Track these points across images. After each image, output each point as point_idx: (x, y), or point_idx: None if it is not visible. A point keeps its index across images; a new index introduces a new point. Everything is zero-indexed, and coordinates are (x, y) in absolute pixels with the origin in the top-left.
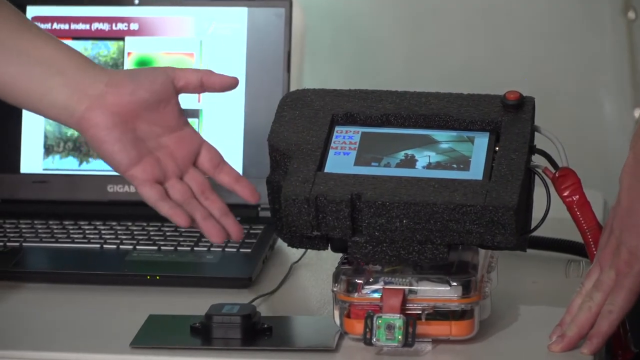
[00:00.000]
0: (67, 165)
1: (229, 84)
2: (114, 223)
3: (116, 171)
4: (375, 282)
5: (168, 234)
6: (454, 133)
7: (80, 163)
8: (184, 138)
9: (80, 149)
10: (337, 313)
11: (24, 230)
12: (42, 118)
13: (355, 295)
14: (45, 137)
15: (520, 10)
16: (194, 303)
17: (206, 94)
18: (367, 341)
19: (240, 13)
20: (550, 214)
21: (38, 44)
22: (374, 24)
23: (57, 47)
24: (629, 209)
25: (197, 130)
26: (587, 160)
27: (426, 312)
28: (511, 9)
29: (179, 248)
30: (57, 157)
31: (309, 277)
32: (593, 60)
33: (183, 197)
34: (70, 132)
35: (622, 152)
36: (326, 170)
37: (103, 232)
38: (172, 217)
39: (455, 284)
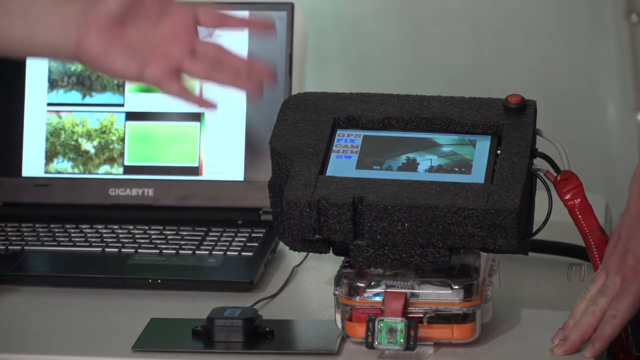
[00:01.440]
0: (72, 99)
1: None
2: (115, 226)
3: (132, 81)
4: (377, 285)
5: (170, 237)
6: (455, 136)
7: (84, 97)
8: (176, 18)
9: (83, 83)
10: (338, 316)
11: (25, 234)
12: (43, 122)
13: (357, 298)
14: (50, 71)
15: (524, 15)
16: (195, 306)
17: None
18: (369, 344)
19: (242, 16)
20: (552, 218)
21: None
22: (379, 28)
23: None
24: (637, 216)
25: (198, 132)
26: (589, 163)
27: (428, 315)
28: (514, 13)
29: (180, 251)
30: (61, 91)
31: (311, 281)
32: (596, 63)
33: (204, 70)
34: (74, 68)
35: (625, 156)
36: (328, 173)
37: (105, 235)
38: (201, 105)
39: (457, 287)
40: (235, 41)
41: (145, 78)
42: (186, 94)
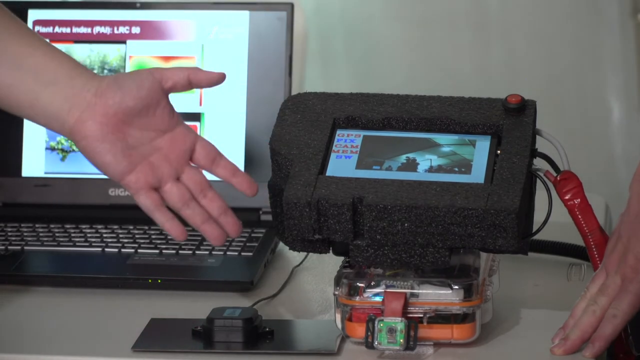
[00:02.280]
0: None
1: (216, 80)
2: (115, 226)
3: (112, 179)
4: (377, 285)
5: (169, 237)
6: (455, 136)
7: None
8: (177, 137)
9: None
10: (338, 316)
11: (25, 234)
12: None
13: (357, 298)
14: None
15: (529, 16)
16: (195, 307)
17: (208, 96)
18: (369, 345)
19: (242, 17)
20: (552, 218)
21: (30, 51)
22: (383, 28)
23: (48, 54)
24: (637, 216)
25: (198, 131)
26: (589, 164)
27: (428, 315)
28: (520, 13)
29: (180, 252)
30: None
31: (311, 281)
32: (601, 63)
33: (181, 200)
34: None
35: (626, 156)
36: (328, 173)
37: (105, 235)
38: (168, 229)
39: (456, 287)
40: (236, 41)
41: (125, 181)
42: (158, 211)
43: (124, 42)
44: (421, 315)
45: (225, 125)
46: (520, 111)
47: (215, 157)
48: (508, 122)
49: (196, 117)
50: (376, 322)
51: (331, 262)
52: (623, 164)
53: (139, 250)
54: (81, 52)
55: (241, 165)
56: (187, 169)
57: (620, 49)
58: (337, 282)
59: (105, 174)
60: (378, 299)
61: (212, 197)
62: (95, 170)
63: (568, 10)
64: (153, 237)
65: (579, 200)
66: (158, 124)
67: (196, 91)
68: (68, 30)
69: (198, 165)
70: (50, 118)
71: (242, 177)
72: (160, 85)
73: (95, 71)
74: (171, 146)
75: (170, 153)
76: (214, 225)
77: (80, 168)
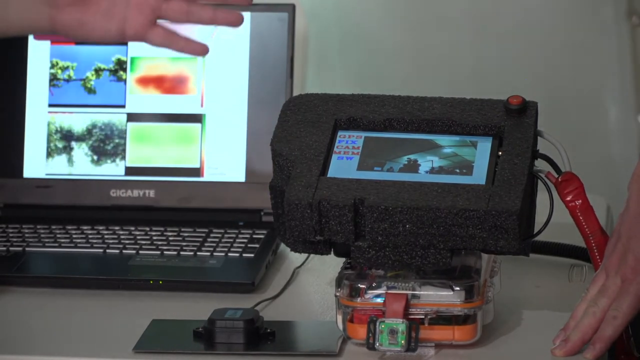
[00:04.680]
0: (73, 100)
1: None
2: (116, 228)
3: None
4: (378, 286)
5: (171, 238)
6: (456, 138)
7: (85, 98)
8: None
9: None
10: (340, 318)
11: (26, 235)
12: (44, 123)
13: (358, 300)
14: (51, 72)
15: (526, 18)
16: (196, 308)
17: (209, 97)
18: (370, 346)
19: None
20: (553, 219)
21: None
22: (382, 29)
23: None
24: (637, 216)
25: (199, 133)
26: (590, 165)
27: (429, 316)
28: (516, 15)
29: (181, 253)
30: (62, 92)
31: (312, 282)
32: (597, 65)
33: (181, 13)
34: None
35: (626, 157)
36: (329, 175)
37: (106, 236)
38: (190, 52)
39: (458, 288)
40: (237, 42)
41: (127, 36)
42: (172, 41)
43: (126, 43)
44: (422, 317)
45: (226, 126)
46: (522, 112)
47: None
48: (509, 123)
49: (198, 118)
50: (377, 324)
51: (332, 264)
52: (621, 165)
53: (141, 252)
54: (83, 53)
55: (242, 166)
56: None
57: (615, 50)
58: (339, 283)
59: (109, 44)
60: (379, 300)
61: None
62: (96, 171)
63: (564, 12)
64: (154, 238)
65: (581, 201)
66: None
67: (198, 92)
68: None
69: None
70: (31, 29)
71: None
72: None
73: (95, 71)
74: None
75: None
76: (225, 12)
77: (82, 169)
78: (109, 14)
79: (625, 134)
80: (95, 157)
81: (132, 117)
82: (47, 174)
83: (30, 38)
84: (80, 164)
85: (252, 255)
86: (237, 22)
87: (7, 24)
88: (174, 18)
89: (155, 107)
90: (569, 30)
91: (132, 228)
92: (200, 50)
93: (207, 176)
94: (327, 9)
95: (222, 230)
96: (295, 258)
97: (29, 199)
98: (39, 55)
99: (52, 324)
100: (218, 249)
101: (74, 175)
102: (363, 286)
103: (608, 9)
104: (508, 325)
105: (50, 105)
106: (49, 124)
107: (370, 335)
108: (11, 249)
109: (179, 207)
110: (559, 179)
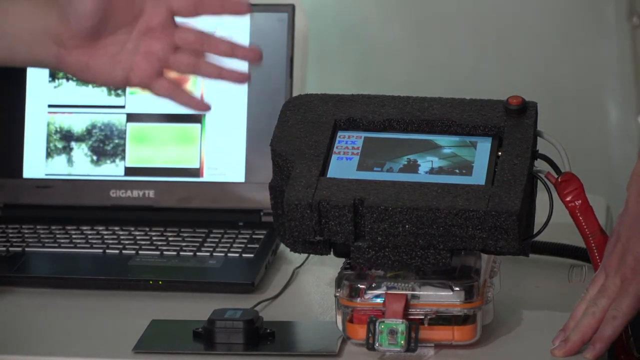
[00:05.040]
0: (73, 100)
1: None
2: (116, 228)
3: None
4: (378, 287)
5: (170, 239)
6: (456, 138)
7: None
8: (151, 15)
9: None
10: (339, 318)
11: (26, 235)
12: (44, 123)
13: (358, 300)
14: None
15: (525, 17)
16: (196, 308)
17: (209, 97)
18: (370, 346)
19: (243, 18)
20: (553, 219)
21: None
22: (381, 30)
23: (13, 3)
24: (636, 216)
25: (199, 133)
26: (590, 165)
27: (429, 317)
28: (516, 15)
29: (181, 253)
30: (62, 92)
31: (312, 282)
32: (597, 65)
33: (189, 66)
34: None
35: (626, 158)
36: (329, 175)
37: (106, 237)
38: (193, 107)
39: (457, 289)
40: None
41: (132, 84)
42: (176, 94)
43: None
44: (422, 317)
45: (226, 126)
46: (521, 112)
47: (197, 2)
48: (509, 124)
49: (197, 118)
50: (377, 324)
51: (332, 264)
52: (621, 165)
53: (140, 252)
54: None
55: (242, 167)
56: (177, 34)
57: (616, 51)
58: (338, 283)
59: (114, 89)
60: (379, 300)
61: (216, 43)
62: (96, 171)
63: (564, 12)
64: (154, 238)
65: (580, 201)
66: (124, 19)
67: (197, 93)
68: None
69: (185, 17)
70: (34, 64)
71: (230, 4)
72: None
73: None
74: (150, 26)
75: (153, 33)
76: (231, 70)
77: (82, 170)
78: (116, 60)
79: (625, 134)
80: (94, 158)
81: (131, 118)
82: (46, 174)
83: None
84: (80, 164)
85: (251, 255)
86: (243, 80)
87: (13, 55)
88: (180, 70)
89: (155, 107)
90: (569, 31)
91: (132, 228)
92: (202, 106)
93: (207, 176)
94: (327, 9)
95: (222, 231)
96: (295, 258)
97: (29, 199)
98: None
99: (52, 324)
100: (218, 249)
101: (74, 176)
102: (363, 286)
103: (609, 9)
104: (508, 326)
105: (50, 106)
106: (48, 124)
107: (370, 335)
108: (11, 249)
109: (179, 207)
110: (559, 179)
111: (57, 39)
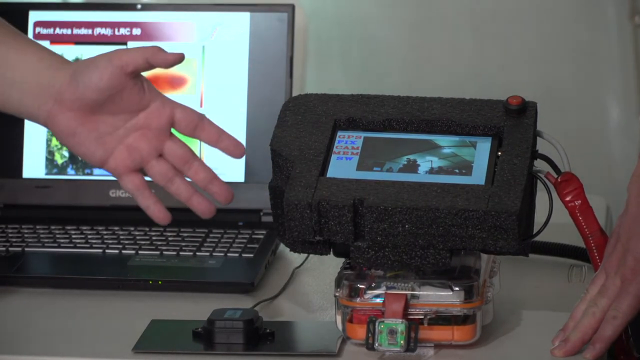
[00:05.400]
0: None
1: (174, 61)
2: (116, 228)
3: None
4: (378, 287)
5: (170, 239)
6: (456, 138)
7: None
8: (152, 114)
9: None
10: (339, 318)
11: (26, 235)
12: None
13: (358, 300)
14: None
15: (526, 17)
16: (196, 308)
17: (208, 97)
18: (370, 346)
19: (243, 18)
20: (553, 219)
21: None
22: (381, 30)
23: (13, 47)
24: (636, 217)
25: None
26: (590, 165)
27: (428, 317)
28: (517, 14)
29: (181, 253)
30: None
31: (311, 282)
32: (598, 65)
33: (164, 178)
34: None
35: (626, 158)
36: (328, 175)
37: (105, 237)
38: (151, 214)
39: (457, 289)
40: (237, 42)
41: (107, 166)
42: (141, 195)
43: (125, 44)
44: (422, 317)
45: (226, 126)
46: (521, 112)
47: (198, 124)
48: (509, 124)
49: None
50: (377, 324)
51: (332, 264)
52: (621, 165)
53: (140, 252)
54: (82, 54)
55: (242, 167)
56: (168, 143)
57: (618, 50)
58: (338, 283)
59: (88, 163)
60: (379, 300)
61: (197, 169)
62: (95, 171)
63: (566, 12)
64: (154, 238)
65: (580, 201)
66: (128, 106)
67: (197, 93)
68: (69, 31)
69: (182, 133)
70: (23, 114)
71: (227, 141)
72: (121, 71)
73: None
74: (147, 124)
75: (147, 131)
76: (200, 198)
77: (81, 170)
78: (102, 140)
79: (625, 134)
80: None
81: None
82: (46, 174)
83: (30, 37)
84: (80, 164)
85: (251, 255)
86: (209, 213)
87: (6, 101)
88: (154, 177)
89: None
90: (570, 30)
91: (132, 228)
92: (162, 218)
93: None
94: (327, 9)
95: (222, 231)
96: (295, 258)
97: (29, 199)
98: None
99: (52, 324)
100: (217, 249)
101: (74, 176)
102: (362, 286)
103: (610, 9)
104: (507, 326)
105: None
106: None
107: (369, 335)
108: (10, 249)
109: (179, 207)
110: (559, 179)
111: (59, 95)
